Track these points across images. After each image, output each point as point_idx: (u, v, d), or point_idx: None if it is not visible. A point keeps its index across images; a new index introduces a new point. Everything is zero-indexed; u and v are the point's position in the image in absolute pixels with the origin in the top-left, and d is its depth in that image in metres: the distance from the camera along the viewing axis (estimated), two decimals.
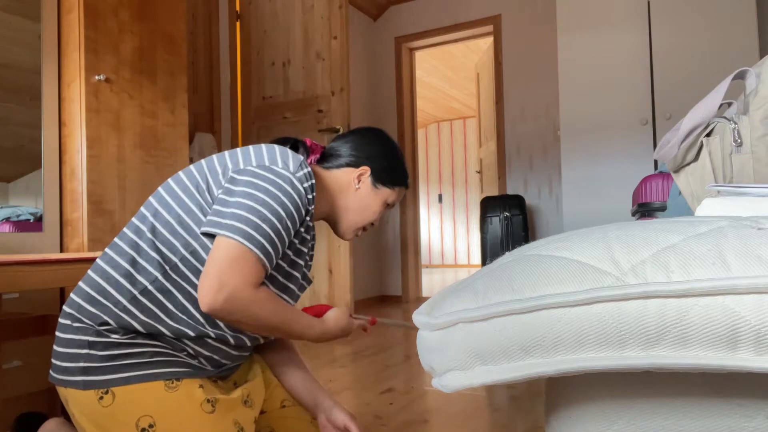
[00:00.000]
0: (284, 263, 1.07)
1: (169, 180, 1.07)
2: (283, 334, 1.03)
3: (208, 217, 0.98)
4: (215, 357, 1.05)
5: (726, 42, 2.98)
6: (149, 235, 1.00)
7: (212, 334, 1.01)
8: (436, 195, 9.31)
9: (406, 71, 5.07)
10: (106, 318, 0.97)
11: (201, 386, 1.00)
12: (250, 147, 1.07)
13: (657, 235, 0.51)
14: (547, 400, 0.65)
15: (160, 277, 0.98)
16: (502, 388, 2.11)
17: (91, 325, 0.97)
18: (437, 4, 4.84)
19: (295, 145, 1.18)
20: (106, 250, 1.05)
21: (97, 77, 2.15)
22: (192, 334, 1.00)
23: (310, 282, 1.18)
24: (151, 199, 1.06)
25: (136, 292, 0.98)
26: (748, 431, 0.48)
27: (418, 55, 5.55)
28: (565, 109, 3.38)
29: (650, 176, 1.97)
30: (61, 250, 2.13)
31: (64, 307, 1.02)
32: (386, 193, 1.21)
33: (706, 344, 0.44)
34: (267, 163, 1.02)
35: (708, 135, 1.09)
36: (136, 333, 0.98)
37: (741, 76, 1.03)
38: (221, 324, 1.02)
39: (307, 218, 1.06)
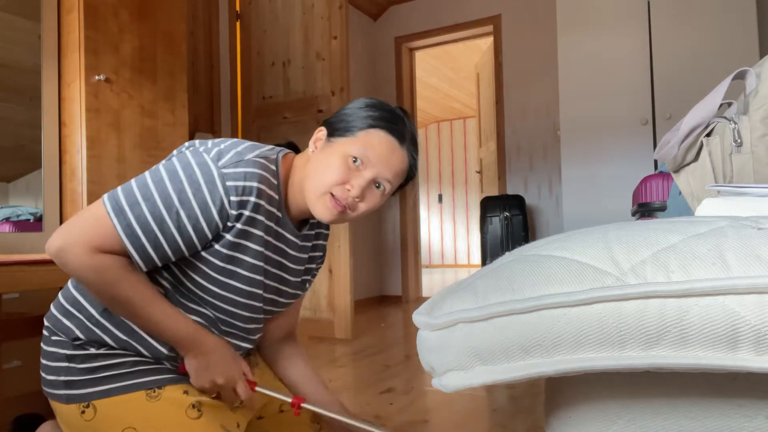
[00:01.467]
0: (213, 257, 0.94)
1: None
2: (130, 317, 0.92)
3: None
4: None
5: (726, 42, 2.97)
6: None
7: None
8: (436, 195, 9.31)
9: (406, 71, 5.07)
10: (78, 333, 0.95)
11: (185, 392, 0.97)
12: (210, 139, 0.99)
13: (657, 235, 0.51)
14: (547, 400, 0.65)
15: None
16: (502, 388, 2.11)
17: (67, 339, 0.96)
18: (437, 4, 4.84)
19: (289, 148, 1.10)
20: None
21: (97, 77, 2.15)
22: (165, 352, 0.97)
23: (294, 293, 1.11)
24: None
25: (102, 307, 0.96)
26: (748, 431, 0.48)
27: (418, 55, 5.54)
28: (565, 109, 3.38)
29: (650, 176, 1.97)
30: None
31: (45, 319, 1.01)
32: (342, 145, 0.96)
33: (706, 344, 0.44)
34: (200, 149, 0.93)
35: (708, 135, 1.09)
36: (111, 347, 0.96)
37: (741, 76, 1.03)
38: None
39: (229, 219, 0.92)
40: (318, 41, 3.36)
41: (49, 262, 1.51)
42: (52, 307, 1.01)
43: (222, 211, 0.90)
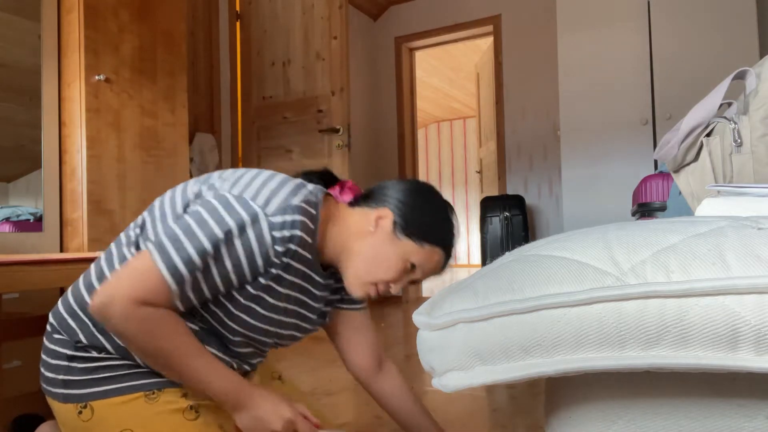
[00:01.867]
0: (239, 296, 0.94)
1: (170, 191, 1.02)
2: (171, 373, 0.90)
3: (151, 229, 0.95)
4: None
5: (726, 42, 2.98)
6: (133, 249, 0.96)
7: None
8: None
9: (406, 71, 5.07)
10: (81, 336, 0.95)
11: (184, 395, 0.97)
12: (251, 171, 0.97)
13: (657, 235, 0.51)
14: (547, 400, 0.65)
15: None
16: (502, 388, 2.11)
17: (69, 339, 0.96)
18: (437, 4, 4.84)
19: (324, 176, 1.09)
20: (101, 255, 1.02)
21: (97, 77, 2.15)
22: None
23: (307, 328, 1.09)
24: (145, 212, 1.02)
25: None
26: (748, 431, 0.48)
27: (418, 55, 5.55)
28: (565, 109, 3.38)
29: (650, 176, 1.97)
30: (61, 250, 2.13)
31: (50, 315, 1.00)
32: (408, 248, 0.97)
33: (706, 344, 0.44)
34: (247, 195, 0.91)
35: (708, 135, 1.09)
36: (110, 351, 0.95)
37: (741, 76, 1.03)
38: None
39: (273, 266, 0.92)
40: (318, 41, 3.36)
41: (49, 262, 1.51)
42: (59, 304, 1.00)
43: (267, 261, 0.91)
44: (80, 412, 0.94)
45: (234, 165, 3.63)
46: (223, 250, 0.87)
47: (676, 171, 1.21)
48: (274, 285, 0.95)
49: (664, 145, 1.22)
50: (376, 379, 1.21)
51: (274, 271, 0.93)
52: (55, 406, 0.97)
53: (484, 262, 4.31)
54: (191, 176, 3.05)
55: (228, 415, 1.01)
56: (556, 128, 4.33)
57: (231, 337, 0.98)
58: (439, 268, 1.02)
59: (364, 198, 1.05)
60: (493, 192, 4.71)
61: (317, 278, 1.03)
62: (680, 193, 1.24)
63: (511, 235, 4.21)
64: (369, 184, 1.10)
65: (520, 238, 4.18)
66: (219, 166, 3.30)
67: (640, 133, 3.18)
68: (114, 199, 2.18)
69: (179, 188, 1.01)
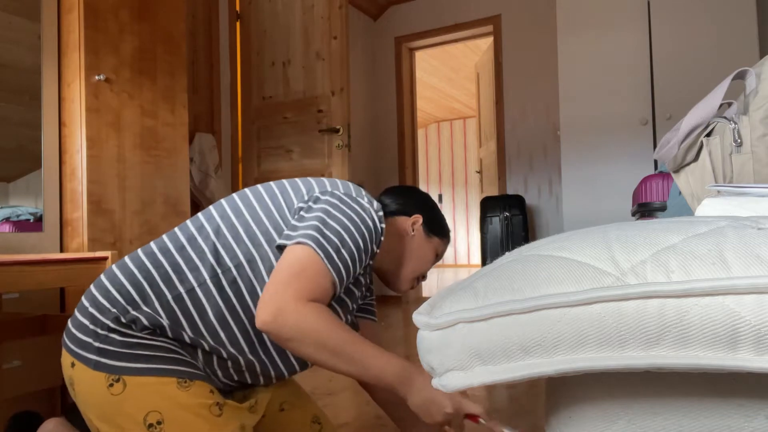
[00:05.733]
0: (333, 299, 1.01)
1: (246, 189, 1.06)
2: (346, 363, 0.90)
3: (285, 232, 0.97)
4: (225, 378, 1.02)
5: (726, 42, 2.98)
6: (212, 235, 0.98)
7: (243, 359, 0.98)
8: (436, 195, 9.31)
9: (406, 71, 5.07)
10: (134, 313, 0.93)
11: (211, 391, 0.98)
12: (336, 179, 1.09)
13: (657, 235, 0.51)
14: (547, 400, 0.65)
15: (208, 281, 0.95)
16: (502, 388, 2.11)
17: (118, 313, 0.94)
18: (437, 4, 4.84)
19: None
20: (163, 236, 1.02)
21: (97, 77, 2.15)
22: (212, 344, 0.96)
23: (355, 327, 1.15)
24: (222, 201, 1.04)
25: (182, 290, 0.95)
26: (748, 431, 0.48)
27: (418, 55, 5.55)
28: (565, 109, 3.38)
29: (650, 176, 1.97)
30: (61, 250, 2.13)
31: (103, 278, 0.99)
32: (436, 243, 1.21)
33: (706, 344, 0.44)
34: (353, 194, 1.04)
35: (708, 135, 1.09)
36: (160, 331, 0.95)
37: (741, 76, 1.03)
38: (256, 348, 0.99)
39: (370, 261, 1.04)
40: (318, 41, 3.36)
41: (49, 262, 1.51)
42: (116, 270, 0.98)
43: (373, 253, 1.04)
44: (111, 385, 0.92)
45: (234, 165, 3.64)
46: (360, 241, 0.98)
47: (676, 171, 1.21)
48: (354, 289, 1.08)
49: (664, 145, 1.22)
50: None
51: (360, 275, 1.07)
52: (81, 371, 0.93)
53: (484, 262, 4.31)
54: (191, 176, 3.05)
55: (247, 416, 1.02)
56: (556, 128, 4.33)
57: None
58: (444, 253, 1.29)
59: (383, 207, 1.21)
60: (493, 192, 4.71)
61: (363, 281, 1.12)
62: (680, 193, 1.24)
63: (511, 235, 4.21)
64: (369, 184, 1.21)
65: (520, 238, 4.18)
66: (219, 166, 3.30)
67: (640, 133, 3.18)
68: (114, 199, 2.18)
69: (263, 188, 1.07)
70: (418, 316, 0.59)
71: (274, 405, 1.16)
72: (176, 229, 1.02)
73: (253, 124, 3.57)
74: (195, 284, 0.95)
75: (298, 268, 0.90)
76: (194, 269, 0.96)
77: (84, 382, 0.93)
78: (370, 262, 1.06)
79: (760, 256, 0.45)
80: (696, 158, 1.12)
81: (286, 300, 0.87)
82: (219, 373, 1.01)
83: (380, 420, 1.79)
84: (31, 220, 2.07)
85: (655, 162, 3.12)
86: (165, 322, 0.94)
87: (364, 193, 1.08)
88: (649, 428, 0.52)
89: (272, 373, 1.04)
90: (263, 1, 3.57)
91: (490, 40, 4.81)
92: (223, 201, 1.05)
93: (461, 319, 0.54)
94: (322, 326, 0.88)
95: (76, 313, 0.98)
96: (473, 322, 0.54)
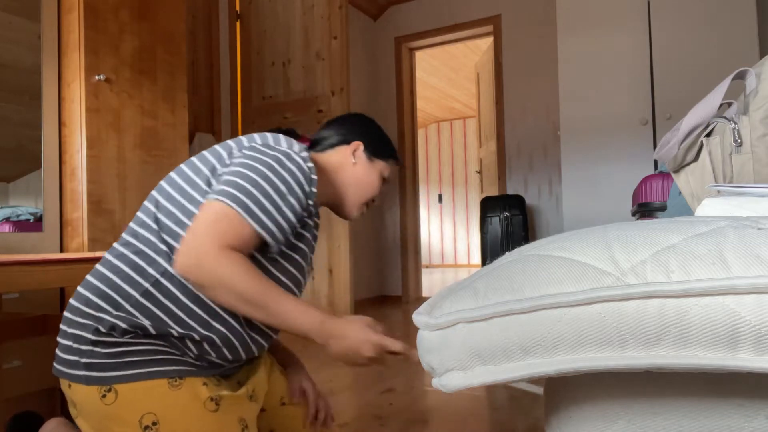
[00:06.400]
0: (284, 246, 1.05)
1: (171, 173, 1.07)
2: (263, 313, 0.92)
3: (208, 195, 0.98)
4: (219, 359, 1.03)
5: (726, 42, 2.98)
6: (154, 226, 0.99)
7: (220, 329, 0.99)
8: (436, 195, 9.31)
9: (406, 71, 5.07)
10: (111, 319, 0.95)
11: (204, 384, 0.99)
12: (254, 134, 1.09)
13: (657, 235, 0.51)
14: (547, 400, 0.65)
15: (169, 269, 0.97)
16: (502, 388, 2.11)
17: (95, 325, 0.96)
18: (437, 4, 4.84)
19: (288, 134, 1.21)
20: (114, 245, 1.03)
21: (97, 77, 2.15)
22: (201, 331, 0.98)
23: (311, 269, 1.17)
24: (153, 192, 1.05)
25: (147, 285, 0.96)
26: (748, 431, 0.48)
27: (418, 55, 5.55)
28: (565, 109, 3.38)
29: (650, 176, 1.97)
30: (61, 250, 2.13)
31: (72, 301, 1.01)
32: (381, 166, 1.22)
33: (706, 344, 0.44)
34: (271, 143, 1.04)
35: (708, 135, 1.09)
36: (142, 333, 0.96)
37: (741, 76, 1.03)
38: (229, 319, 1.00)
39: (310, 201, 1.04)
40: (318, 41, 3.36)
41: (49, 262, 1.51)
42: (81, 290, 1.00)
43: (310, 192, 1.03)
44: (104, 396, 0.93)
45: None
46: (279, 184, 0.97)
47: (676, 171, 1.21)
48: (304, 233, 1.08)
49: (664, 145, 1.22)
50: None
51: (304, 218, 1.05)
52: (76, 390, 0.95)
53: (484, 262, 4.31)
54: None
55: (247, 407, 1.02)
56: (556, 128, 4.33)
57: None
58: (395, 174, 1.30)
59: (321, 141, 1.21)
60: (493, 192, 4.71)
61: (311, 222, 1.13)
62: (680, 193, 1.24)
63: (511, 235, 4.21)
64: None
65: (520, 238, 4.18)
66: None
67: (640, 133, 3.18)
68: (114, 199, 2.18)
69: (186, 167, 1.06)
70: (418, 316, 0.59)
71: (275, 399, 1.17)
72: (123, 235, 1.03)
73: (253, 124, 3.57)
74: (157, 275, 0.97)
75: (212, 219, 0.91)
76: (152, 262, 0.97)
77: (79, 396, 0.95)
78: (310, 202, 1.03)
79: (760, 256, 0.45)
80: (696, 158, 1.12)
81: (204, 245, 0.88)
82: (212, 354, 1.01)
83: (380, 420, 1.79)
84: (31, 220, 2.07)
85: (655, 162, 3.12)
86: (144, 321, 0.95)
87: (282, 138, 1.08)
88: (649, 428, 0.52)
89: (262, 340, 1.06)
90: (263, 1, 3.57)
91: (490, 40, 4.81)
92: (154, 192, 1.05)
93: (461, 319, 0.54)
94: (238, 274, 0.89)
95: (59, 340, 1.00)
96: (473, 322, 0.54)
